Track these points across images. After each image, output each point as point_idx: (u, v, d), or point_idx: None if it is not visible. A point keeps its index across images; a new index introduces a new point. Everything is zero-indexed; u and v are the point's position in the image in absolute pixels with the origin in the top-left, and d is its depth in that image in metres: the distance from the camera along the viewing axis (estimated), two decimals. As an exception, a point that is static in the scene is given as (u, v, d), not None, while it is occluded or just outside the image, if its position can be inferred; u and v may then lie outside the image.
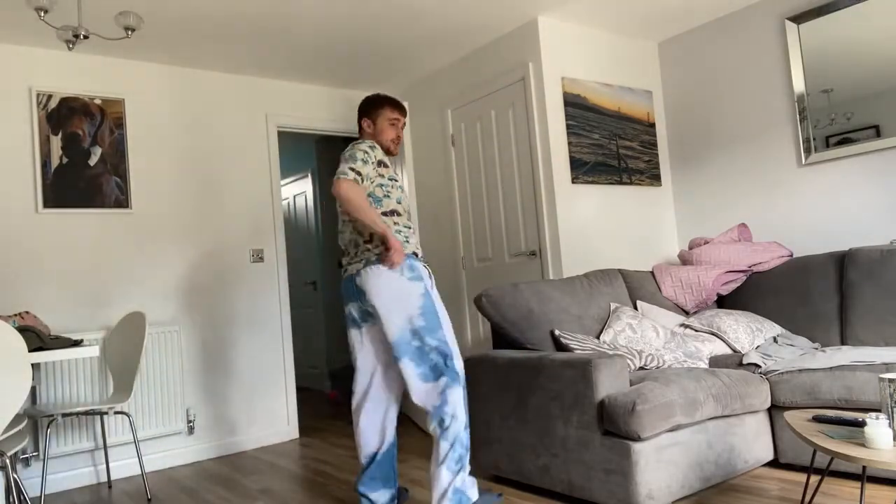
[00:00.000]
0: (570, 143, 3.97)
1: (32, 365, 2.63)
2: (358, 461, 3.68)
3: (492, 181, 4.31)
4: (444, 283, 4.70)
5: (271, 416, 4.41)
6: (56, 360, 3.17)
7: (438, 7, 3.70)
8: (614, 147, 4.21)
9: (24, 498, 2.71)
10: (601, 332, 3.27)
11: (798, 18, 3.79)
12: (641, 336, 3.19)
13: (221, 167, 4.37)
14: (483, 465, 3.08)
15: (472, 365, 3.12)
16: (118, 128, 4.00)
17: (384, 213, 2.60)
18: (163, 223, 4.11)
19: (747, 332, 3.30)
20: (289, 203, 7.07)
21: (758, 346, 3.22)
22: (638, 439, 2.41)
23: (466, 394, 2.56)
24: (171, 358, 4.01)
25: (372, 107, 2.76)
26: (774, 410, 2.91)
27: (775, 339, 3.26)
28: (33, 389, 3.59)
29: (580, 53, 4.13)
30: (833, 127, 3.69)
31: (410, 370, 2.48)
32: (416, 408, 4.35)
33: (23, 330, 2.59)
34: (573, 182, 3.95)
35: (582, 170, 4.00)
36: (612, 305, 3.44)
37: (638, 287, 3.71)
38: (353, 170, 2.50)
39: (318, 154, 6.50)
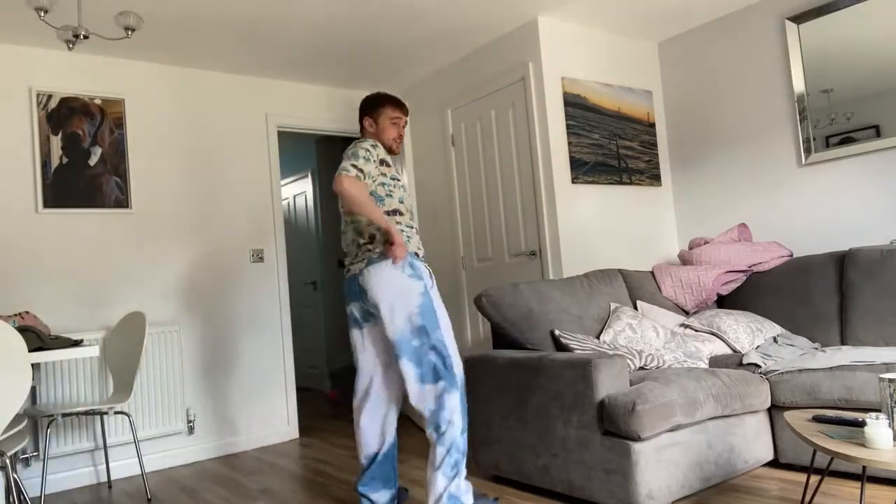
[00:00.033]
0: (570, 143, 3.97)
1: (32, 365, 2.63)
2: (358, 461, 3.68)
3: (492, 181, 4.31)
4: (444, 283, 4.70)
5: (271, 416, 4.41)
6: (56, 360, 3.17)
7: (438, 7, 3.70)
8: (614, 147, 4.21)
9: (24, 498, 2.71)
10: (601, 332, 3.27)
11: (798, 18, 3.79)
12: (641, 336, 3.19)
13: (221, 167, 4.37)
14: (483, 465, 3.08)
15: (472, 365, 3.12)
16: (118, 128, 4.00)
17: (386, 213, 2.60)
18: (163, 223, 4.11)
19: (747, 332, 3.30)
20: (289, 203, 7.07)
21: (758, 346, 3.22)
22: (638, 439, 2.41)
23: (465, 397, 2.55)
24: (171, 358, 4.01)
25: (373, 106, 2.76)
26: (774, 410, 2.91)
27: (775, 339, 3.26)
28: (33, 389, 3.59)
29: (580, 53, 4.13)
30: (833, 127, 3.69)
31: (409, 370, 2.48)
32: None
33: (23, 330, 2.59)
34: (573, 182, 3.95)
35: (582, 170, 4.00)
36: (612, 305, 3.44)
37: (638, 287, 3.71)
38: (354, 166, 2.49)
39: (318, 154, 6.50)
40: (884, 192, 3.53)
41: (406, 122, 2.81)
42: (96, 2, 3.28)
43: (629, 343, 3.15)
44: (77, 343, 2.85)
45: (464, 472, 2.50)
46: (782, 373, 2.85)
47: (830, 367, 2.72)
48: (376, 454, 2.68)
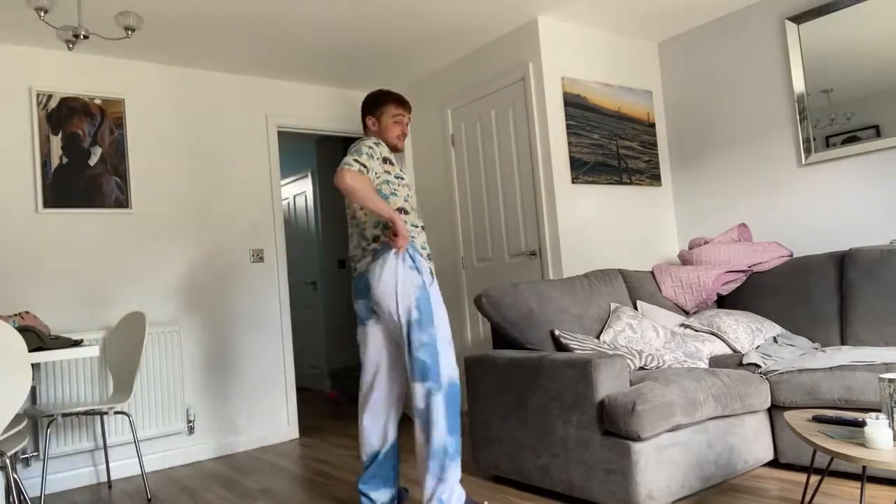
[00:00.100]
0: (570, 143, 3.97)
1: (32, 365, 2.63)
2: (358, 460, 3.68)
3: (492, 181, 4.31)
4: (445, 283, 4.70)
5: (271, 416, 4.41)
6: (56, 360, 3.17)
7: (438, 7, 3.70)
8: (614, 147, 4.21)
9: (24, 498, 2.71)
10: (601, 332, 3.27)
11: (798, 18, 3.79)
12: (641, 336, 3.19)
13: (221, 167, 4.37)
14: (483, 465, 3.08)
15: (472, 365, 3.12)
16: (118, 128, 4.00)
17: None
18: (163, 223, 4.11)
19: (747, 332, 3.30)
20: (289, 203, 7.07)
21: (758, 346, 3.22)
22: (638, 439, 2.41)
23: (459, 399, 2.54)
24: (171, 358, 4.01)
25: (375, 104, 2.74)
26: (774, 410, 2.91)
27: (775, 339, 3.26)
28: (33, 389, 3.59)
29: (580, 53, 4.13)
30: (833, 127, 3.69)
31: (407, 363, 2.51)
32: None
33: (23, 330, 2.59)
34: (573, 182, 3.95)
35: (582, 170, 4.00)
36: (612, 305, 3.44)
37: (638, 287, 3.71)
38: (357, 161, 2.47)
39: (318, 154, 6.50)
40: (884, 192, 3.53)
41: (409, 118, 2.79)
42: (96, 2, 3.28)
43: (629, 343, 3.15)
44: (77, 343, 2.85)
45: (455, 474, 2.49)
46: (782, 373, 2.85)
47: (830, 367, 2.72)
48: (377, 453, 2.69)
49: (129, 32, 2.96)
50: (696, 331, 3.40)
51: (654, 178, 4.42)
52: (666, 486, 2.48)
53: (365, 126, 2.77)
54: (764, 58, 4.00)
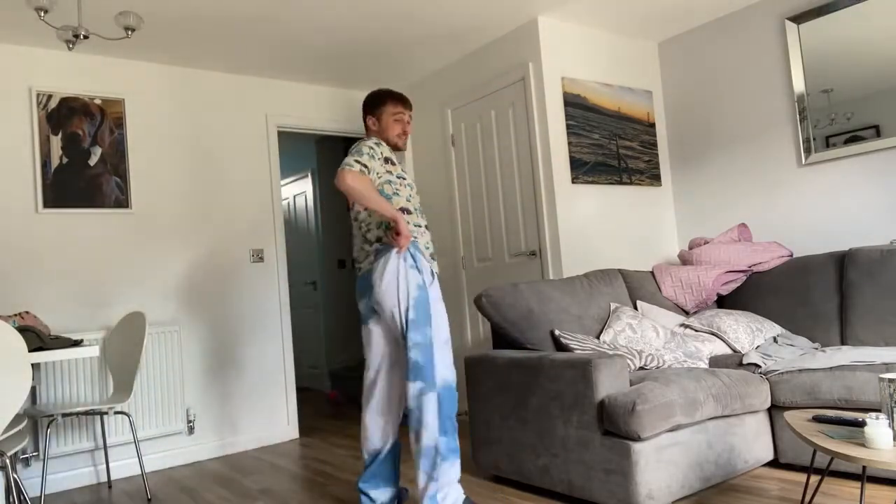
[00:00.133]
0: (570, 143, 3.97)
1: (32, 365, 2.64)
2: (359, 460, 3.68)
3: (492, 181, 4.31)
4: (445, 283, 4.70)
5: (271, 416, 4.41)
6: (56, 360, 3.17)
7: (438, 7, 3.70)
8: (614, 147, 4.21)
9: (24, 498, 2.71)
10: (601, 332, 3.27)
11: (798, 18, 3.79)
12: (641, 336, 3.19)
13: (221, 167, 4.37)
14: (483, 465, 3.08)
15: (472, 365, 3.12)
16: (118, 128, 4.00)
17: None
18: (163, 223, 4.11)
19: (747, 332, 3.30)
20: (289, 203, 7.07)
21: (758, 346, 3.22)
22: (638, 439, 2.41)
23: (453, 400, 2.53)
24: (171, 358, 4.01)
25: (375, 103, 2.73)
26: (774, 410, 2.91)
27: (775, 339, 3.26)
28: (33, 389, 3.59)
29: (580, 53, 4.13)
30: (833, 127, 3.69)
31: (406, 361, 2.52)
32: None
33: (23, 330, 2.59)
34: (573, 182, 3.95)
35: (582, 170, 4.00)
36: (612, 305, 3.44)
37: (638, 287, 3.71)
38: (358, 161, 2.47)
39: (318, 154, 6.50)
40: (884, 192, 3.53)
41: (410, 116, 2.77)
42: (96, 2, 3.28)
43: (629, 343, 3.15)
44: (77, 343, 2.85)
45: (450, 475, 2.48)
46: (782, 373, 2.85)
47: (830, 367, 2.72)
48: (379, 452, 2.69)
49: (129, 32, 2.96)
50: (696, 331, 3.40)
51: (654, 178, 4.42)
52: (666, 486, 2.48)
53: (366, 126, 2.76)
54: (764, 58, 4.00)
